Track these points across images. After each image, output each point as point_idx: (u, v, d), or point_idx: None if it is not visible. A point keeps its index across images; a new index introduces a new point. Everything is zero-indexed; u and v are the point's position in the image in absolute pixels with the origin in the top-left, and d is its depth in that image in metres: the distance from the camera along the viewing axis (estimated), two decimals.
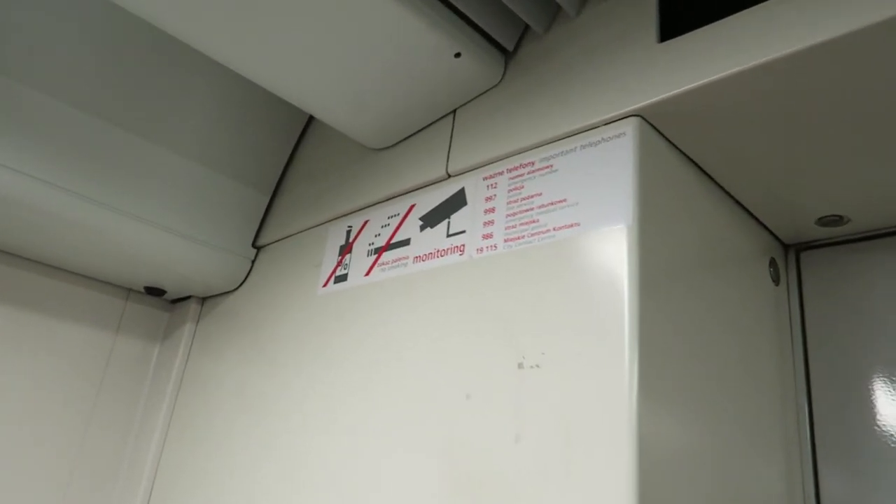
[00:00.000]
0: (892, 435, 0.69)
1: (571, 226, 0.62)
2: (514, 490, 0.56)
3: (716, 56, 0.57)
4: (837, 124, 0.60)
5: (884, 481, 0.69)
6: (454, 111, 0.80)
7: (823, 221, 0.76)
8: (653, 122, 0.62)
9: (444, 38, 0.70)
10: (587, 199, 0.62)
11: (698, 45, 0.59)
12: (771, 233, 0.80)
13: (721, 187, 0.72)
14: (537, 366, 0.59)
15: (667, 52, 0.61)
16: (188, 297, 1.13)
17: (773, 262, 0.79)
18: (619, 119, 0.62)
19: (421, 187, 0.80)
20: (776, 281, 0.79)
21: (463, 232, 0.71)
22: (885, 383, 0.72)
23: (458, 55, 0.71)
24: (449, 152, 0.77)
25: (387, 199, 0.84)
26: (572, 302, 0.59)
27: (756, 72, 0.55)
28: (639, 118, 0.61)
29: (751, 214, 0.77)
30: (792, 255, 0.82)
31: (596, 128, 0.64)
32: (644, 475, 0.50)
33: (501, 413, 0.59)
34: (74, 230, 0.90)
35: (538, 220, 0.65)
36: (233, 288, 1.06)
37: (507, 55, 0.76)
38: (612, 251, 0.58)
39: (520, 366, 0.60)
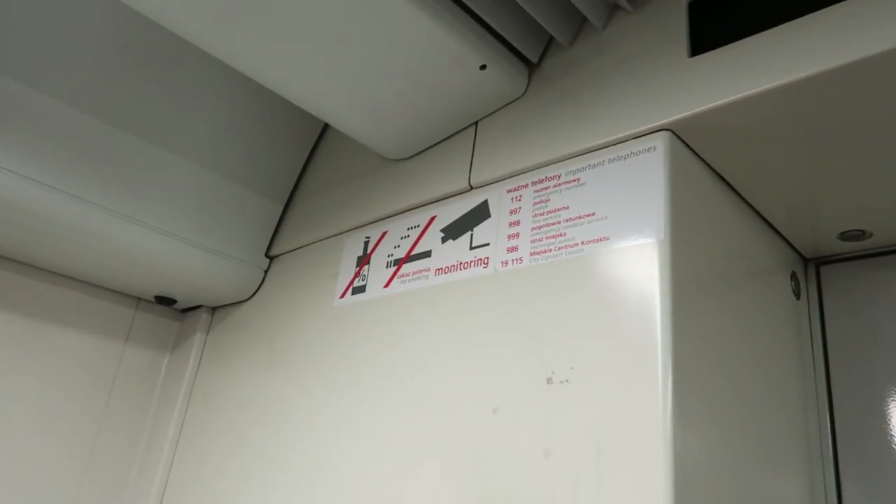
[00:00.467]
0: None
1: (600, 240, 0.61)
2: None
3: (748, 72, 0.57)
4: (864, 140, 0.60)
5: None
6: (476, 123, 0.80)
7: (846, 236, 0.76)
8: (682, 137, 0.62)
9: (470, 49, 0.69)
10: (616, 213, 0.61)
11: (731, 60, 0.59)
12: (792, 247, 0.80)
13: (745, 201, 0.72)
14: (567, 381, 0.58)
15: (698, 67, 0.61)
16: (198, 307, 1.12)
17: (794, 276, 0.79)
18: (650, 133, 0.62)
19: (442, 199, 0.79)
20: (797, 295, 0.79)
21: (487, 245, 0.71)
22: None
23: (483, 67, 0.71)
24: (471, 164, 0.77)
25: (406, 211, 0.83)
26: (602, 316, 0.58)
27: (788, 89, 0.55)
28: (669, 132, 0.61)
29: (773, 228, 0.76)
30: (812, 269, 0.82)
31: (625, 141, 0.64)
32: (678, 492, 0.50)
33: (530, 428, 0.59)
34: (85, 238, 0.89)
35: (565, 234, 0.64)
36: (244, 298, 1.05)
37: (531, 67, 0.76)
38: (643, 265, 0.57)
39: (548, 381, 0.59)
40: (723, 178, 0.68)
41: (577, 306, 0.60)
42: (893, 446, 0.71)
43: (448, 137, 0.82)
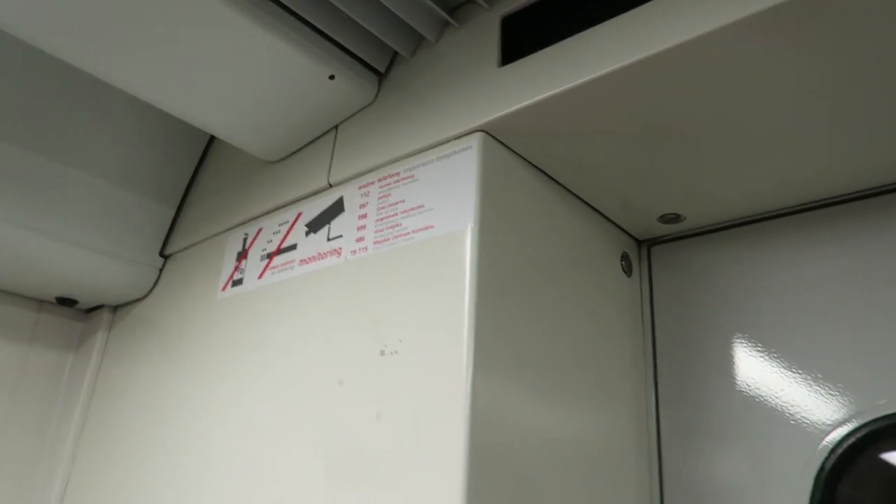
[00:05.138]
0: (726, 400, 0.80)
1: (426, 228, 0.70)
2: (377, 463, 0.63)
3: (547, 77, 0.66)
4: (660, 136, 0.70)
5: (718, 449, 0.78)
6: (337, 126, 0.87)
7: (664, 219, 0.86)
8: (497, 137, 0.71)
9: (317, 62, 0.77)
10: (440, 205, 0.70)
11: (532, 68, 0.68)
12: (624, 231, 0.90)
13: (571, 192, 0.81)
14: (396, 352, 0.66)
15: (506, 75, 0.70)
16: (101, 306, 1.17)
17: (625, 256, 0.89)
18: (467, 134, 0.71)
19: (307, 196, 0.87)
20: (628, 273, 0.89)
21: (340, 236, 0.79)
22: (720, 359, 0.82)
23: (332, 77, 0.79)
24: (331, 164, 0.85)
25: (278, 208, 0.91)
26: (425, 295, 0.67)
27: (578, 91, 0.64)
28: (483, 133, 0.70)
29: (602, 215, 0.86)
30: (644, 249, 0.93)
31: (448, 142, 0.72)
32: (477, 446, 0.58)
33: (367, 395, 0.67)
34: None
35: (401, 224, 0.73)
36: (142, 296, 1.11)
37: (380, 76, 0.84)
38: (457, 250, 0.66)
39: (382, 353, 0.68)
40: (545, 173, 0.77)
41: (408, 287, 0.69)
42: (707, 401, 0.81)
43: (314, 140, 0.90)
